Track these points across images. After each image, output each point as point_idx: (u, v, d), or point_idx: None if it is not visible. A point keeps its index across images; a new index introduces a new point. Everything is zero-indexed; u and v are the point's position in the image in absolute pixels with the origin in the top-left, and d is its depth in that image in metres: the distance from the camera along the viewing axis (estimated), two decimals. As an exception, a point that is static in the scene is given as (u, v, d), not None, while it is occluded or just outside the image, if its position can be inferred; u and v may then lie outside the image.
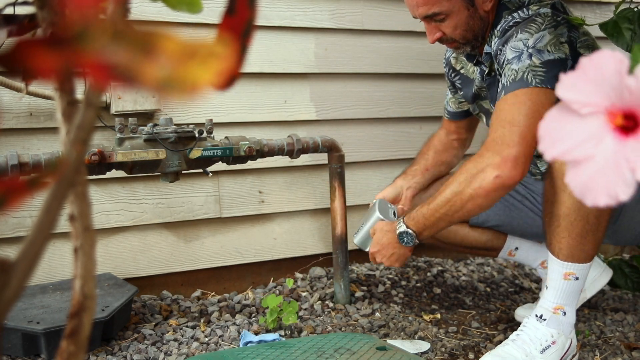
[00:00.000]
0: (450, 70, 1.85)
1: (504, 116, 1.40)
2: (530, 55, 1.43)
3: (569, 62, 1.44)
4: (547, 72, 1.41)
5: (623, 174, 0.42)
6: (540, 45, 1.44)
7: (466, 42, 1.62)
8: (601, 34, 1.52)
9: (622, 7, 1.53)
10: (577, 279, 1.45)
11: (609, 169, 0.42)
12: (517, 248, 1.92)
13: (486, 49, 1.63)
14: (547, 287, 1.50)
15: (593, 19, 1.58)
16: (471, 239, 1.91)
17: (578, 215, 1.40)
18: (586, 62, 0.44)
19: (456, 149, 1.96)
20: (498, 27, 1.57)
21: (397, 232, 1.57)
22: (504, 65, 1.49)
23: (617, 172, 0.42)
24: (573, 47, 1.48)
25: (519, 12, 1.54)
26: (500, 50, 1.53)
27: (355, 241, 1.79)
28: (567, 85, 0.44)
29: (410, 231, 1.54)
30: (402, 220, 1.57)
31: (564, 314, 1.47)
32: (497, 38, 1.56)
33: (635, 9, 1.48)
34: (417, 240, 1.56)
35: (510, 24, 1.53)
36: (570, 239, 1.42)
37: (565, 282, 1.45)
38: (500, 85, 1.50)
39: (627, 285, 1.99)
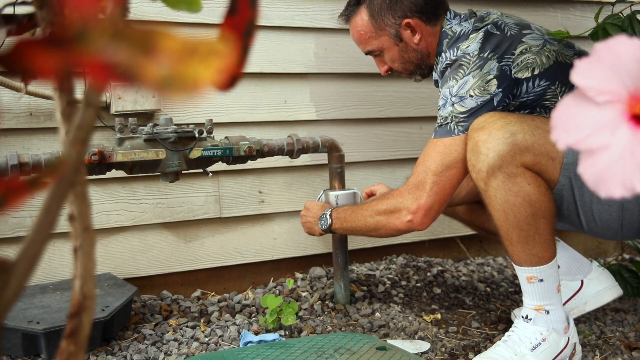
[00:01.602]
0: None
1: (429, 163, 1.53)
2: (452, 104, 1.53)
3: (495, 99, 1.51)
4: (470, 118, 1.50)
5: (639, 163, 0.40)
6: (463, 92, 1.52)
7: (411, 72, 1.75)
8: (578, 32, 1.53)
9: (602, 12, 1.54)
10: (541, 280, 1.46)
11: (625, 158, 0.40)
12: None
13: (434, 76, 1.72)
14: (522, 291, 1.53)
15: (593, 19, 1.57)
16: (492, 227, 1.90)
17: (509, 226, 1.43)
18: (601, 48, 0.41)
19: None
20: (438, 66, 1.64)
21: (323, 212, 1.76)
22: (438, 112, 1.59)
23: (633, 162, 0.40)
24: (506, 75, 1.51)
25: (450, 51, 1.59)
26: (443, 86, 1.61)
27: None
28: (583, 71, 0.42)
29: (329, 220, 1.74)
30: (332, 208, 1.76)
31: (547, 312, 1.48)
32: (440, 80, 1.64)
33: (620, 14, 1.49)
34: (329, 230, 1.75)
35: (444, 65, 1.61)
36: (512, 246, 1.45)
37: (531, 286, 1.48)
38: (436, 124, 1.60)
39: (626, 290, 1.99)
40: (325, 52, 2.17)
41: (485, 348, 1.65)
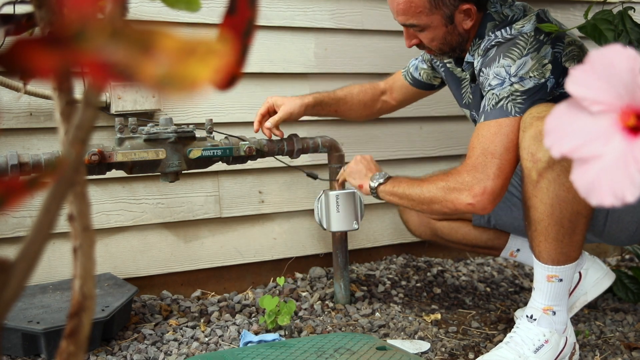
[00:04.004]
0: (437, 60, 1.86)
1: (486, 144, 1.47)
2: (512, 83, 1.48)
3: (548, 83, 1.48)
4: (527, 100, 1.46)
5: (631, 174, 0.40)
6: (523, 72, 1.48)
7: (442, 53, 1.68)
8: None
9: (591, 10, 1.55)
10: (560, 280, 1.46)
11: (617, 168, 0.41)
12: (518, 250, 1.92)
13: (467, 57, 1.67)
14: (534, 289, 1.51)
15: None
16: (472, 238, 1.92)
17: (551, 220, 1.41)
18: (596, 57, 0.42)
19: (378, 110, 2.04)
20: (481, 46, 1.59)
21: (379, 171, 1.69)
22: (487, 90, 1.53)
23: (625, 172, 0.40)
24: (558, 62, 1.50)
25: (502, 30, 1.55)
26: (482, 72, 1.56)
27: (334, 228, 1.86)
28: (577, 80, 0.43)
29: (382, 179, 1.65)
30: (388, 176, 1.66)
31: (554, 313, 1.48)
32: (479, 57, 1.59)
33: (610, 10, 1.50)
34: (376, 188, 1.65)
35: (492, 43, 1.55)
36: (547, 243, 1.43)
37: (549, 285, 1.47)
38: (482, 106, 1.54)
39: (627, 297, 2.00)
40: (325, 52, 2.17)
41: (486, 348, 1.65)
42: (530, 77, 1.47)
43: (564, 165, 1.37)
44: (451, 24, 1.59)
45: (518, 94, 1.47)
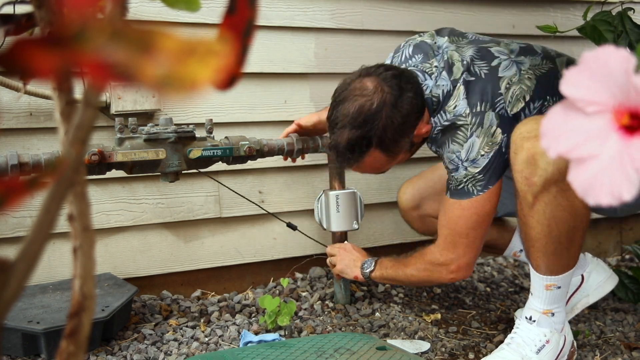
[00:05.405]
0: None
1: (452, 225, 1.56)
2: (465, 167, 1.51)
3: (503, 144, 1.49)
4: (485, 175, 1.50)
5: (628, 173, 0.41)
6: (473, 155, 1.50)
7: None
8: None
9: (590, 10, 1.55)
10: (559, 287, 1.47)
11: (614, 168, 0.41)
12: (522, 250, 1.92)
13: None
14: (532, 294, 1.51)
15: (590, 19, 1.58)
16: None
17: (549, 239, 1.41)
18: (589, 58, 0.42)
19: None
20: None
21: (367, 258, 1.79)
22: (447, 171, 1.58)
23: (621, 171, 0.41)
24: (504, 118, 1.49)
25: (438, 116, 1.54)
26: (437, 151, 1.61)
27: (334, 228, 1.89)
28: (572, 82, 0.43)
29: (372, 267, 1.76)
30: (376, 259, 1.78)
31: (553, 315, 1.49)
32: (428, 142, 1.62)
33: (609, 11, 1.50)
34: (368, 275, 1.76)
35: (435, 131, 1.57)
36: (545, 258, 1.44)
37: (548, 292, 1.47)
38: (447, 181, 1.58)
39: (627, 296, 1.99)
40: (325, 52, 2.17)
41: (486, 348, 1.65)
42: (482, 154, 1.48)
43: (560, 186, 1.35)
44: (412, 146, 1.61)
45: (474, 174, 1.50)
